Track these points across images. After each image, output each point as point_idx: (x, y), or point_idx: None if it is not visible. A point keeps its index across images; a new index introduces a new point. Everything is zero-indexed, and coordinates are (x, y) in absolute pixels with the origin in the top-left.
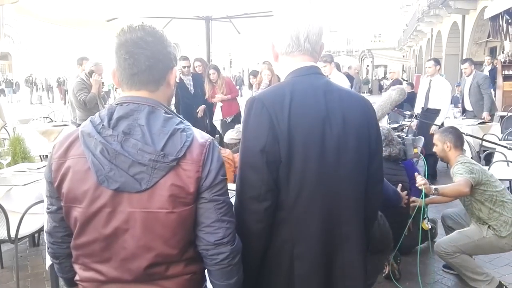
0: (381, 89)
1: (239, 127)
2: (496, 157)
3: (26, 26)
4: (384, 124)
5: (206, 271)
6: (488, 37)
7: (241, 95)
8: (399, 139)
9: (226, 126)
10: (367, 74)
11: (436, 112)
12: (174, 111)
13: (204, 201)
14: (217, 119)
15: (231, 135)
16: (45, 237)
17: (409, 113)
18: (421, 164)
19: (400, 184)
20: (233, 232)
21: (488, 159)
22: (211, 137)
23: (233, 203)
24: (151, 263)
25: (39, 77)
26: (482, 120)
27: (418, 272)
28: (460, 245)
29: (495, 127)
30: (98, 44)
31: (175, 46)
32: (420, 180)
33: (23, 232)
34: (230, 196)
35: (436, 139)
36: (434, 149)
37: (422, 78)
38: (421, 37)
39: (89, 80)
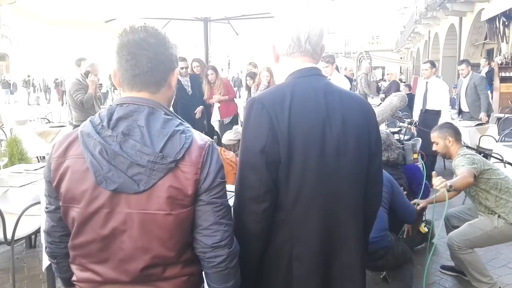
0: (378, 90)
1: (237, 128)
2: (493, 159)
3: (24, 26)
4: (383, 128)
5: (203, 273)
6: (485, 39)
7: (240, 96)
8: (399, 144)
9: (224, 127)
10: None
11: (435, 112)
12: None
13: (202, 204)
14: (215, 120)
15: (229, 136)
16: (42, 236)
17: (408, 120)
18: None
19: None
20: (230, 235)
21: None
22: (211, 139)
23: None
24: (148, 265)
25: (37, 78)
26: (479, 122)
27: (416, 273)
28: (473, 238)
29: (492, 129)
30: (96, 45)
31: (177, 48)
32: (438, 182)
33: (20, 233)
34: (229, 197)
35: (435, 137)
36: (434, 147)
37: (419, 80)
38: (419, 39)
39: (85, 81)
